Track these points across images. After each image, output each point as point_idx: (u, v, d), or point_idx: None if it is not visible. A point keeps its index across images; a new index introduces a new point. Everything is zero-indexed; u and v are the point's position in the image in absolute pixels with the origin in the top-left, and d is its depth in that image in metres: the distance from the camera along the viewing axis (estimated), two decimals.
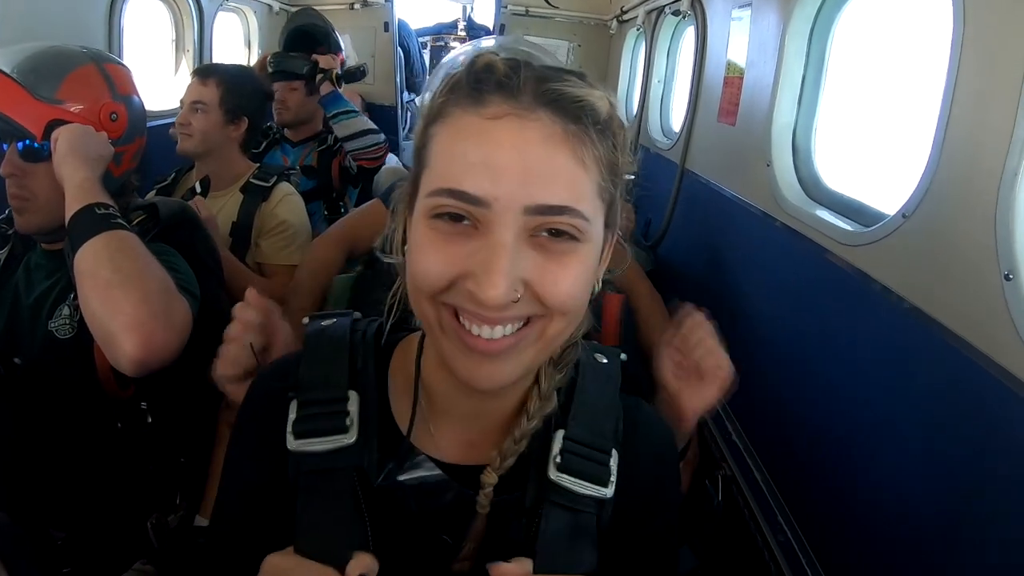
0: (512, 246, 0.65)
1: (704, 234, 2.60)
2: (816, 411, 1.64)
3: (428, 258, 0.67)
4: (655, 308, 2.24)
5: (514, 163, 0.65)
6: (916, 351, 1.30)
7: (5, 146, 1.45)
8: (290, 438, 0.80)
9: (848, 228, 1.62)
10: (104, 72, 1.55)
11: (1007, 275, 1.10)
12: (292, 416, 0.81)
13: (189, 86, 2.41)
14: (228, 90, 2.39)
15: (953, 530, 1.17)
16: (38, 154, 1.45)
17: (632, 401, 0.90)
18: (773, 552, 1.59)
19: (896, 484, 1.33)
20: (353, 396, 0.81)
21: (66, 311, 1.49)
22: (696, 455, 1.62)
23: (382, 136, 3.04)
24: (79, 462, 1.51)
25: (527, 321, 0.70)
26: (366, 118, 3.05)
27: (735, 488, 1.84)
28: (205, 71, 2.46)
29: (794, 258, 1.84)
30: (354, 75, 3.19)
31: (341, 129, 2.99)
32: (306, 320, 0.90)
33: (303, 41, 3.37)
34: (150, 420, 1.54)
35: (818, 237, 1.71)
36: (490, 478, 0.81)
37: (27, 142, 1.44)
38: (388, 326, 0.88)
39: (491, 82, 0.68)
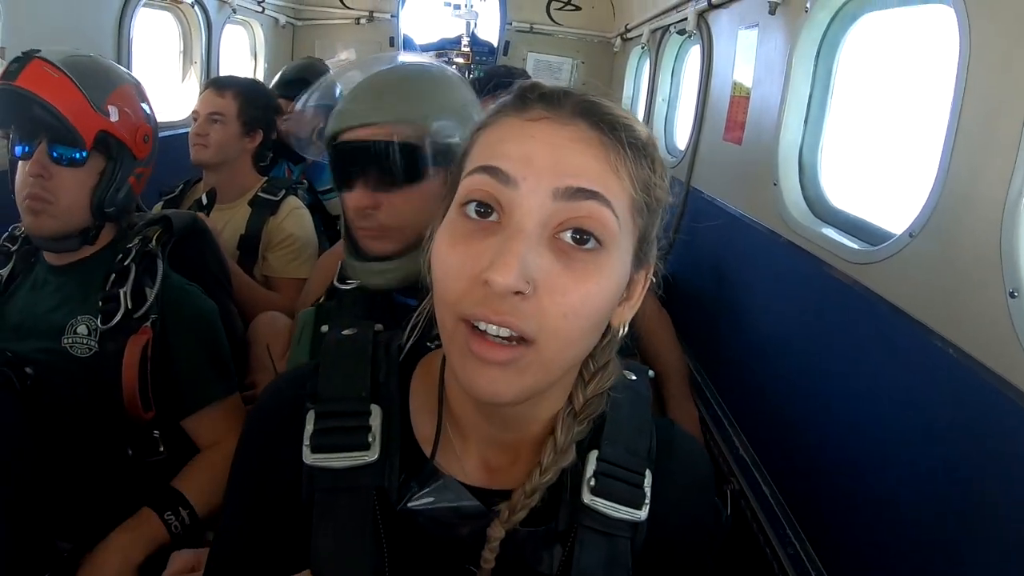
0: (532, 236, 0.64)
1: (710, 251, 2.61)
2: (824, 425, 1.64)
3: (449, 258, 0.67)
4: (661, 324, 2.26)
5: (546, 154, 0.65)
6: (923, 367, 1.31)
7: (26, 148, 1.42)
8: (306, 451, 0.75)
9: (855, 247, 1.63)
10: (140, 92, 1.58)
11: (1012, 292, 1.11)
12: (309, 428, 0.76)
13: (204, 97, 2.43)
14: (245, 102, 2.42)
15: (961, 544, 1.17)
16: (72, 161, 1.44)
17: (664, 422, 0.87)
18: (783, 565, 1.59)
19: (904, 498, 1.33)
20: (376, 410, 0.77)
21: (83, 330, 1.49)
22: None
23: None
24: (88, 479, 1.51)
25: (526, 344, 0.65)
26: None
27: (744, 502, 1.84)
28: (221, 83, 2.47)
29: (800, 276, 1.85)
30: None
31: (334, 207, 2.97)
32: (325, 328, 0.86)
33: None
34: (162, 449, 1.54)
35: (824, 255, 1.72)
36: (497, 532, 0.75)
37: (68, 151, 1.43)
38: (409, 343, 0.84)
39: (535, 94, 0.70)
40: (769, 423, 1.92)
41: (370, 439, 0.76)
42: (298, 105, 1.40)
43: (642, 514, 0.77)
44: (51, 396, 1.46)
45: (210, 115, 2.38)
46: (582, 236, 0.65)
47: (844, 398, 1.57)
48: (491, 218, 0.66)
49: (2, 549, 1.27)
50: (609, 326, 0.75)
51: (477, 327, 0.65)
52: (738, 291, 2.31)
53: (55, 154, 1.43)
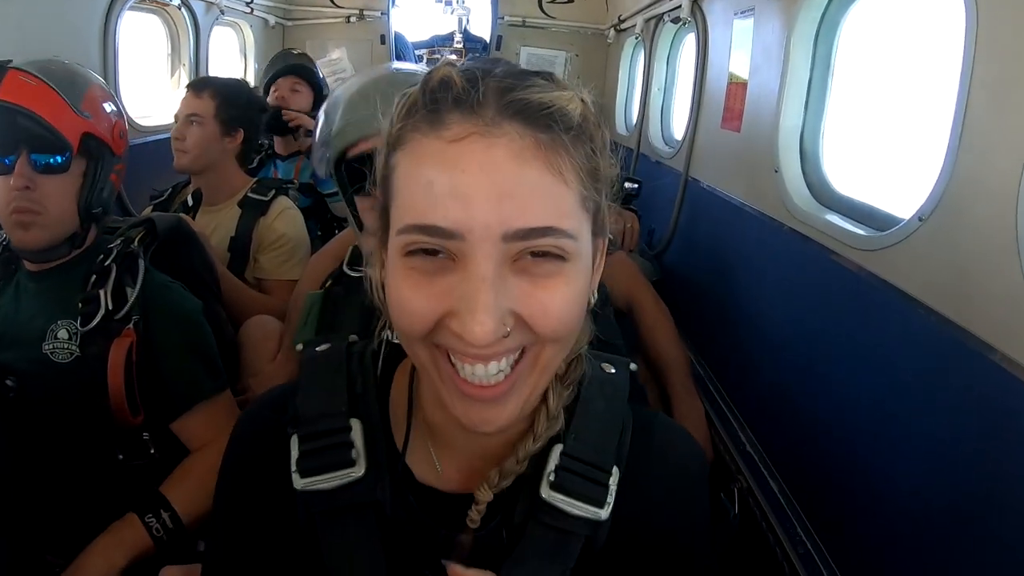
0: (494, 277, 0.60)
1: (710, 242, 2.58)
2: (832, 418, 1.61)
3: (409, 300, 0.63)
4: (660, 318, 2.21)
5: (485, 187, 0.60)
6: (936, 355, 1.28)
7: (6, 161, 1.38)
8: (296, 477, 0.76)
9: (861, 233, 1.60)
10: (108, 90, 1.57)
11: None
12: (295, 454, 0.76)
13: (184, 99, 2.40)
14: (224, 101, 2.38)
15: (975, 540, 1.15)
16: (56, 167, 1.41)
17: (648, 415, 0.85)
18: (793, 564, 1.56)
19: (916, 492, 1.30)
20: (356, 425, 0.77)
21: (63, 335, 1.45)
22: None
23: None
24: (77, 489, 1.48)
25: (521, 353, 0.66)
26: None
27: (752, 500, 1.81)
28: (200, 84, 2.45)
29: (805, 264, 1.82)
30: None
31: (340, 209, 2.96)
32: (300, 346, 0.86)
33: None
34: (152, 451, 1.51)
35: (830, 242, 1.69)
36: (484, 495, 0.76)
37: (52, 158, 1.41)
38: (382, 356, 0.84)
39: (448, 99, 0.62)
40: (776, 418, 1.89)
41: (354, 455, 0.76)
42: (316, 142, 1.52)
43: (603, 513, 0.74)
44: (35, 406, 1.44)
45: (188, 116, 2.34)
46: (542, 253, 0.63)
47: (853, 390, 1.54)
48: (441, 256, 0.62)
49: None
50: None
51: (463, 373, 0.64)
52: (741, 282, 2.28)
53: (38, 163, 1.40)
